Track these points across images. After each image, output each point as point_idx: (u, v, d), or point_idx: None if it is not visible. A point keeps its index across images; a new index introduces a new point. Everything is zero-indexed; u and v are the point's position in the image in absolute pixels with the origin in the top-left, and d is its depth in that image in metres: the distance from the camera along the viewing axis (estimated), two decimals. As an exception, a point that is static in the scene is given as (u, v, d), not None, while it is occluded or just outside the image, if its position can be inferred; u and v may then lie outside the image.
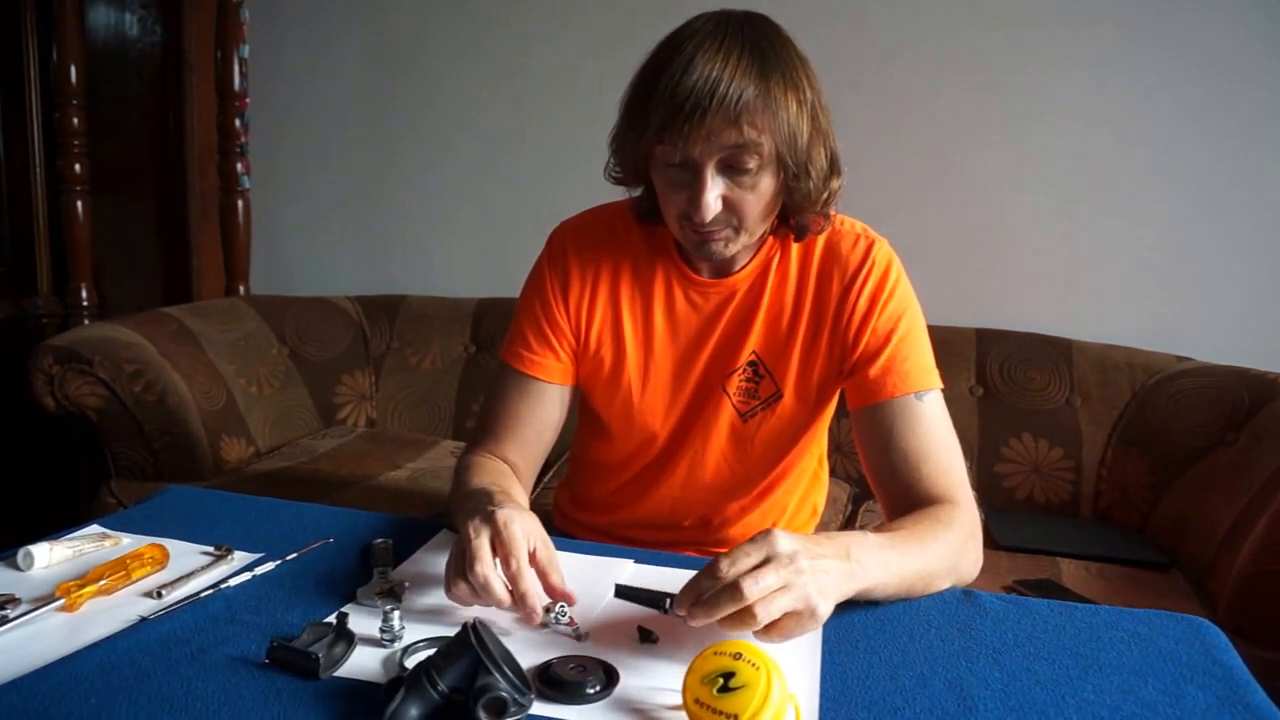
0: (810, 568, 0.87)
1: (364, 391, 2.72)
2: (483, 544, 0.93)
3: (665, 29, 1.17)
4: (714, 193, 1.11)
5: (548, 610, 0.94)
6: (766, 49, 1.10)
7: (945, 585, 1.06)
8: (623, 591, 0.95)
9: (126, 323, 2.33)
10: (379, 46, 2.92)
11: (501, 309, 2.71)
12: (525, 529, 0.96)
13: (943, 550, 1.06)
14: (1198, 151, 2.34)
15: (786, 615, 0.85)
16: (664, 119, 1.08)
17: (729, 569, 0.85)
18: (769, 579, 0.84)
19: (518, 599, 0.91)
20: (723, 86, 1.05)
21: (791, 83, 1.10)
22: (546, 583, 0.95)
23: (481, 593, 0.91)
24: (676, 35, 1.12)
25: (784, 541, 0.88)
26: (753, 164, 1.11)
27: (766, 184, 1.14)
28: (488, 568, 0.91)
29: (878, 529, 1.08)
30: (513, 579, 0.92)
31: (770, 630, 0.86)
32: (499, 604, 0.92)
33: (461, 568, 0.93)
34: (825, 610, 0.87)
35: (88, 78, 2.73)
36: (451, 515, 1.18)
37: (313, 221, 3.08)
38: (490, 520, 0.96)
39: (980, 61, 2.44)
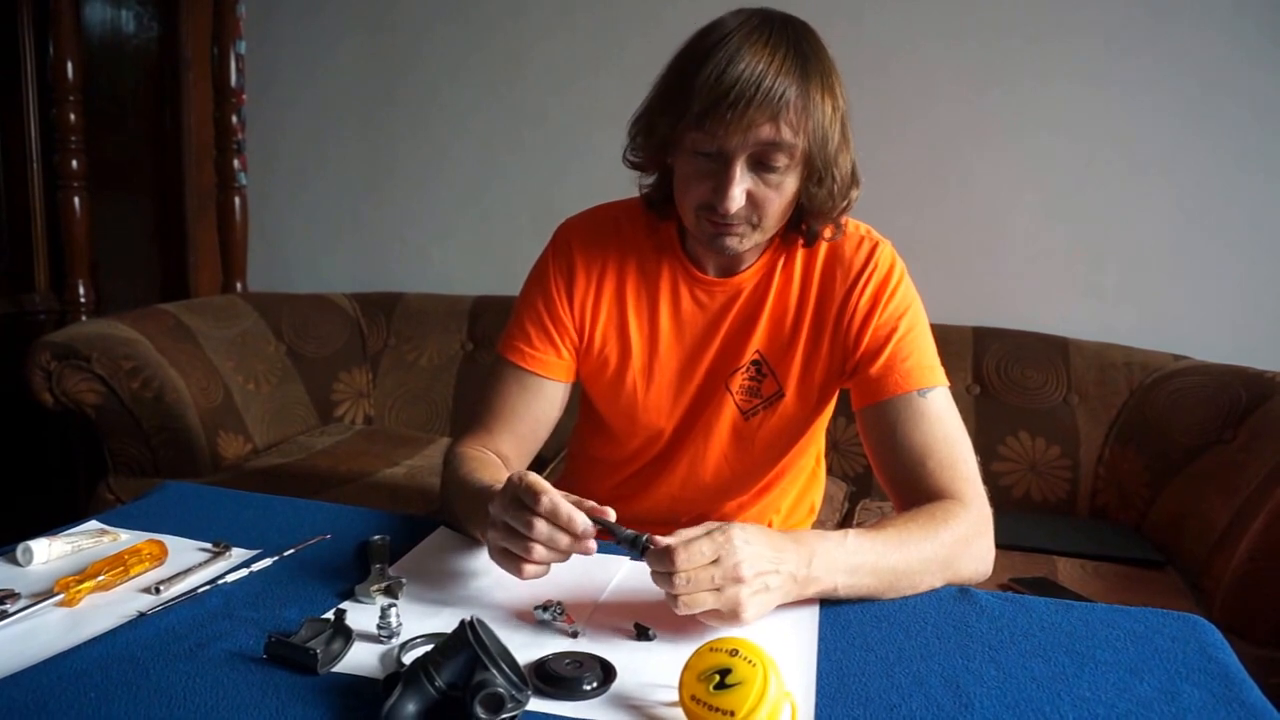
0: (752, 578, 0.91)
1: (361, 388, 2.72)
2: (520, 510, 0.94)
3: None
4: (741, 186, 1.12)
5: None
6: (808, 51, 1.11)
7: (936, 583, 1.06)
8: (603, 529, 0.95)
9: (124, 319, 2.33)
10: (377, 43, 2.92)
11: (499, 306, 2.71)
12: (541, 479, 0.96)
13: (931, 548, 1.05)
14: (1194, 150, 2.34)
15: (709, 610, 0.90)
16: (706, 106, 1.08)
17: (680, 561, 0.88)
18: (701, 578, 0.89)
19: (567, 527, 0.92)
20: (767, 81, 1.06)
21: (828, 88, 1.12)
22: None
23: (550, 544, 0.93)
24: (718, 26, 1.13)
25: (738, 545, 0.91)
26: (782, 163, 1.11)
27: (790, 184, 1.14)
28: (542, 521, 0.92)
29: (873, 525, 1.08)
30: (552, 515, 0.92)
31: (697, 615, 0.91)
32: (570, 545, 0.93)
33: (518, 546, 0.94)
34: (750, 618, 0.91)
35: (84, 74, 2.72)
36: (455, 514, 1.18)
37: (310, 218, 3.08)
38: (506, 489, 0.96)
39: (978, 65, 2.45)
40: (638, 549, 0.92)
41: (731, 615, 0.90)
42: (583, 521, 0.93)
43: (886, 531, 1.05)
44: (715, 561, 0.90)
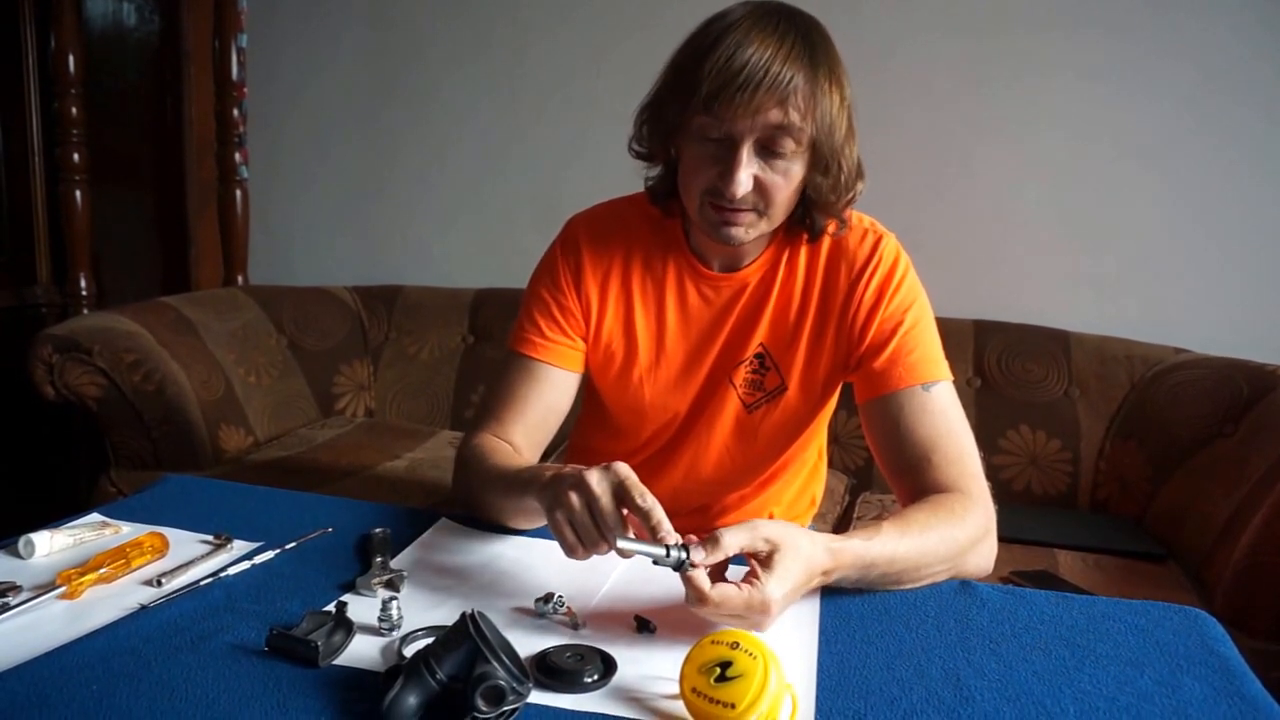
0: (779, 611, 0.90)
1: (362, 381, 2.72)
2: (631, 479, 0.93)
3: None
4: (748, 170, 1.12)
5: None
6: (817, 42, 1.13)
7: (943, 576, 1.06)
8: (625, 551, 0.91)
9: (125, 312, 2.33)
10: (378, 37, 2.91)
11: (500, 299, 2.71)
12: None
13: (945, 547, 1.05)
14: (1196, 143, 2.34)
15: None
16: (715, 89, 1.08)
17: (709, 612, 0.88)
18: (735, 623, 0.89)
19: (655, 527, 0.91)
20: (776, 66, 1.07)
21: (835, 79, 1.13)
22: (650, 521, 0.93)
23: (642, 523, 0.92)
24: (726, 15, 1.14)
25: (775, 609, 0.89)
26: (789, 148, 1.12)
27: (797, 171, 1.15)
28: (649, 499, 0.92)
29: (897, 520, 1.07)
30: (646, 514, 0.91)
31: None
32: (658, 527, 0.91)
33: (589, 536, 0.93)
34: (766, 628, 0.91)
35: (86, 67, 2.72)
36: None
37: (311, 211, 3.07)
38: (609, 470, 0.95)
39: (979, 58, 2.44)
40: (675, 566, 0.89)
41: (751, 628, 0.89)
42: (666, 530, 0.91)
43: (900, 527, 1.05)
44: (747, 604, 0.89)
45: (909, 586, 1.04)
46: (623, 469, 0.94)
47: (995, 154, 2.47)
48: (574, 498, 0.94)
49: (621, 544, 0.89)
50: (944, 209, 2.50)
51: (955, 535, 1.07)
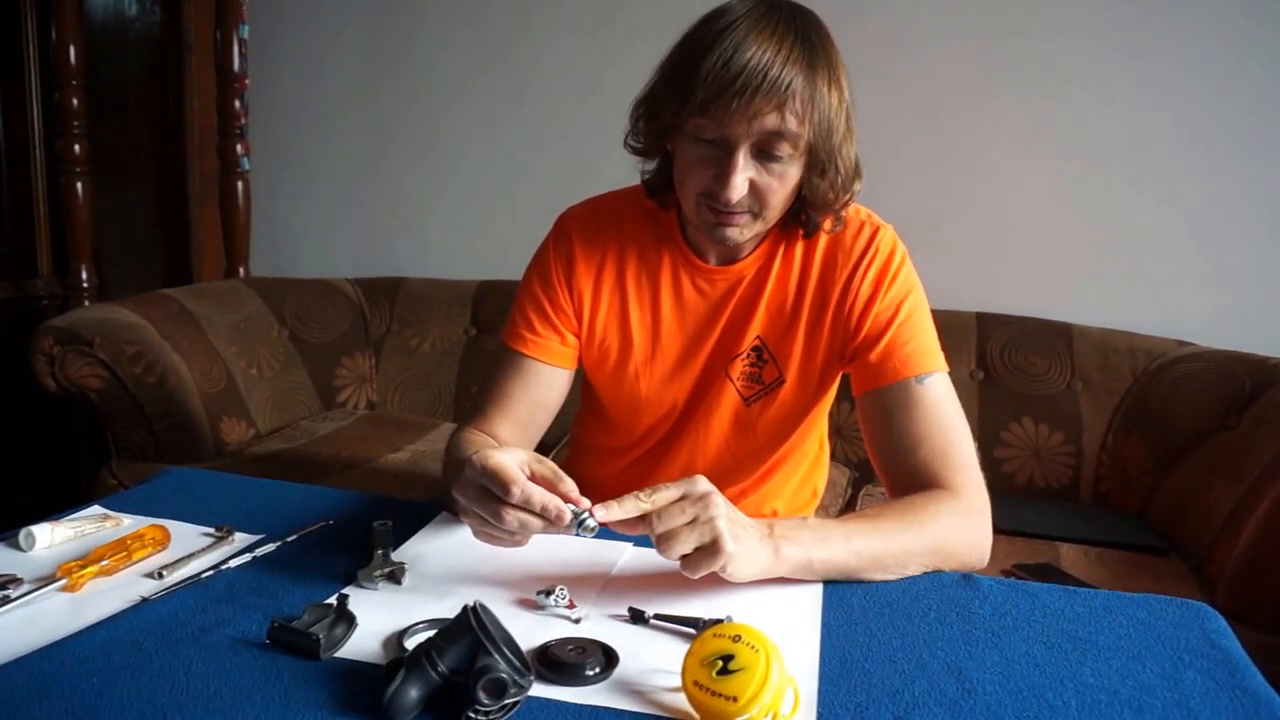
0: (725, 510, 0.92)
1: (364, 374, 2.72)
2: (487, 501, 0.93)
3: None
4: (743, 175, 1.11)
5: (578, 520, 0.93)
6: (815, 41, 1.10)
7: (928, 566, 1.05)
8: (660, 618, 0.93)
9: (127, 304, 2.33)
10: (380, 28, 2.91)
11: (501, 291, 2.71)
12: (505, 459, 0.94)
13: (909, 537, 1.05)
14: (1200, 138, 2.33)
15: (695, 550, 0.91)
16: (711, 93, 1.07)
17: (647, 499, 0.91)
18: (675, 518, 0.91)
19: (540, 514, 0.91)
20: (774, 70, 1.06)
21: (834, 79, 1.11)
22: (558, 490, 0.94)
23: (524, 529, 0.92)
24: (725, 12, 1.12)
25: (702, 484, 0.93)
26: (786, 152, 1.11)
27: (793, 174, 1.14)
28: (512, 512, 0.92)
29: (847, 515, 1.08)
30: (526, 502, 0.91)
31: (682, 563, 0.92)
32: (543, 528, 0.92)
33: (495, 532, 0.95)
34: (733, 549, 0.91)
35: (87, 59, 2.71)
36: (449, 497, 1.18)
37: (312, 203, 3.07)
38: (469, 476, 0.95)
39: (984, 53, 2.44)
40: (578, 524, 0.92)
41: (714, 549, 0.90)
42: (555, 506, 0.91)
43: (860, 516, 1.06)
44: (683, 498, 0.92)
45: (894, 576, 1.04)
46: (478, 464, 0.93)
47: (999, 147, 2.46)
48: (470, 523, 0.98)
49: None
50: (948, 202, 2.50)
51: (926, 525, 1.06)
